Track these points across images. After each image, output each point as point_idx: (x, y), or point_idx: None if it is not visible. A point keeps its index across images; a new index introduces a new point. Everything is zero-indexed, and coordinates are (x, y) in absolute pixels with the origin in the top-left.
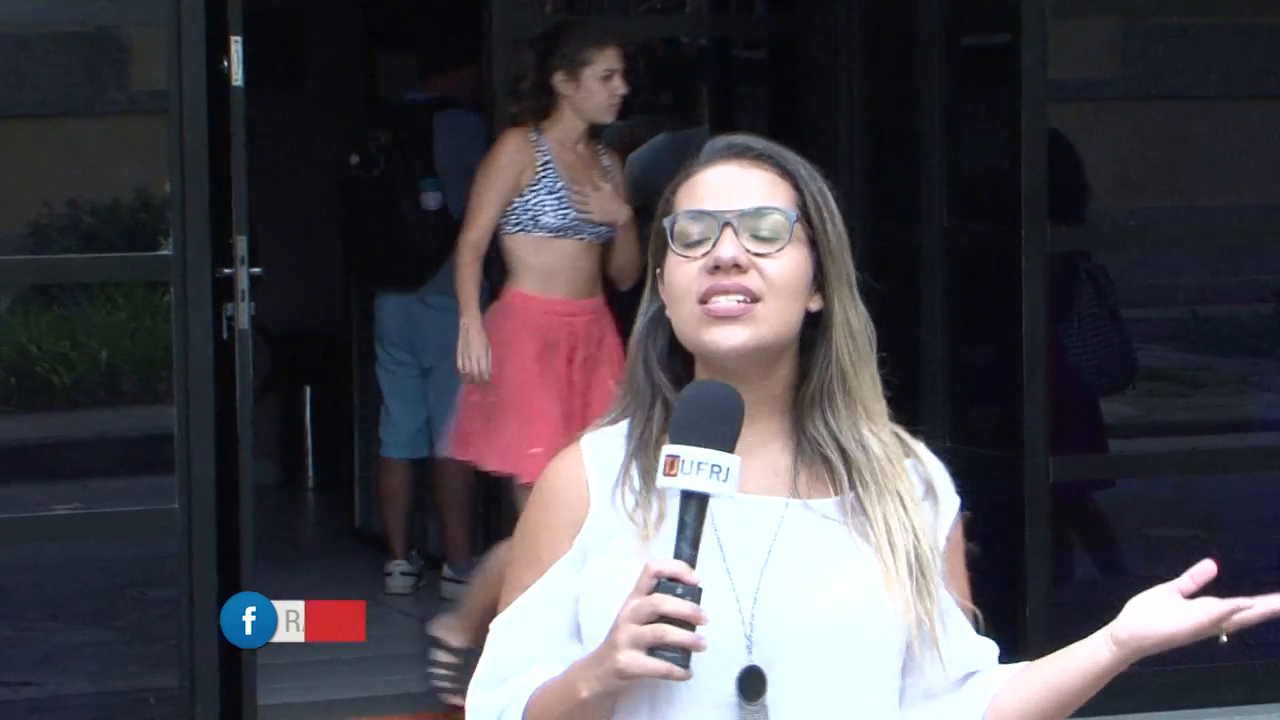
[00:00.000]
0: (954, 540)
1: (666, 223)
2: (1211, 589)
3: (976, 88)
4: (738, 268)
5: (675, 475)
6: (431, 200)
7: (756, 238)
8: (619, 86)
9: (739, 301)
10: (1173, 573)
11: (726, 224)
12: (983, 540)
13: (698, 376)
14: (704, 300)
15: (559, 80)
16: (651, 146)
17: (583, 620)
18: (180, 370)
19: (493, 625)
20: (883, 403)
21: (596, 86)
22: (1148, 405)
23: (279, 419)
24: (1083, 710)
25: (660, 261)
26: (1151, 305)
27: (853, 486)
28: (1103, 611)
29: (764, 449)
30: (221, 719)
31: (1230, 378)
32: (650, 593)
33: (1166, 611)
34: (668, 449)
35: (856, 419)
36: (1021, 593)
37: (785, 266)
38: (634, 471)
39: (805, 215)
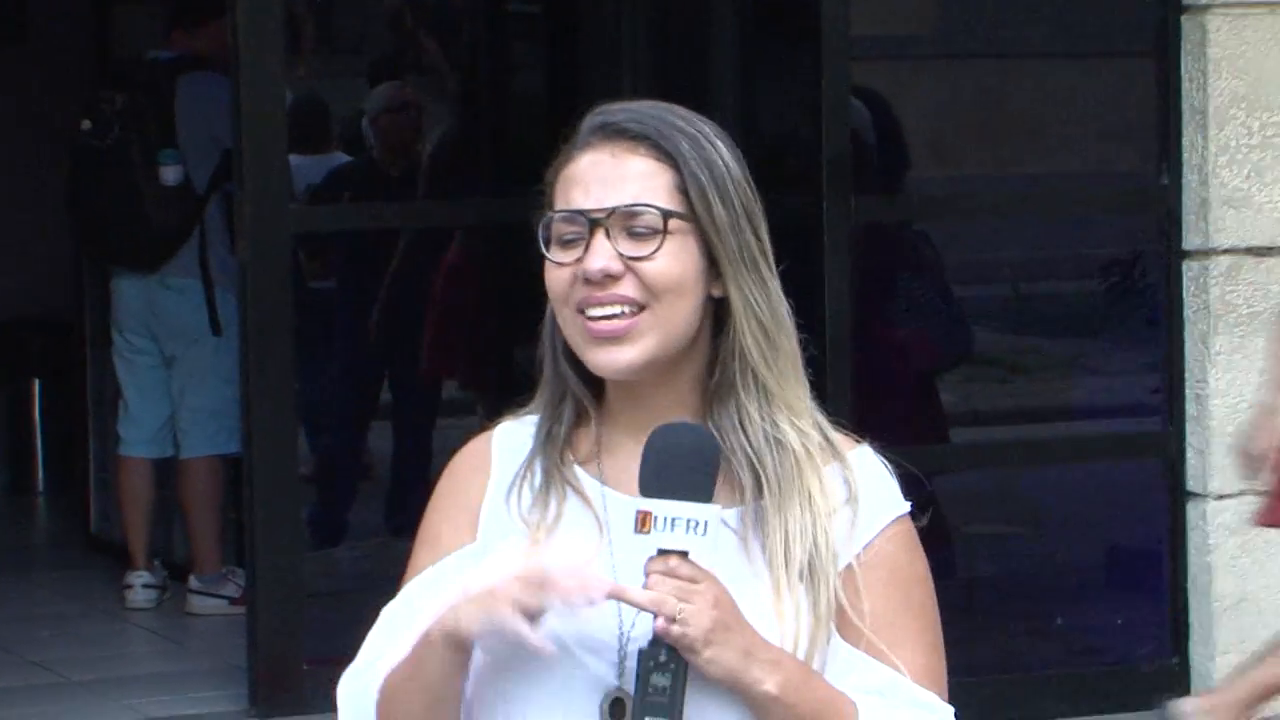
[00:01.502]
0: (878, 556)
1: (541, 223)
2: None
3: (774, 45)
4: (611, 278)
5: (649, 532)
6: (170, 174)
7: (632, 236)
8: None
9: (620, 314)
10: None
11: (596, 225)
12: None
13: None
14: (582, 310)
15: None
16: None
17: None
18: None
19: (383, 611)
20: (805, 392)
21: None
22: (965, 392)
23: (3, 416)
24: None
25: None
26: (970, 282)
27: (759, 493)
28: None
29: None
30: None
31: (1055, 361)
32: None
33: None
34: (638, 503)
35: (774, 412)
36: None
37: (664, 267)
38: (536, 468)
39: (687, 200)
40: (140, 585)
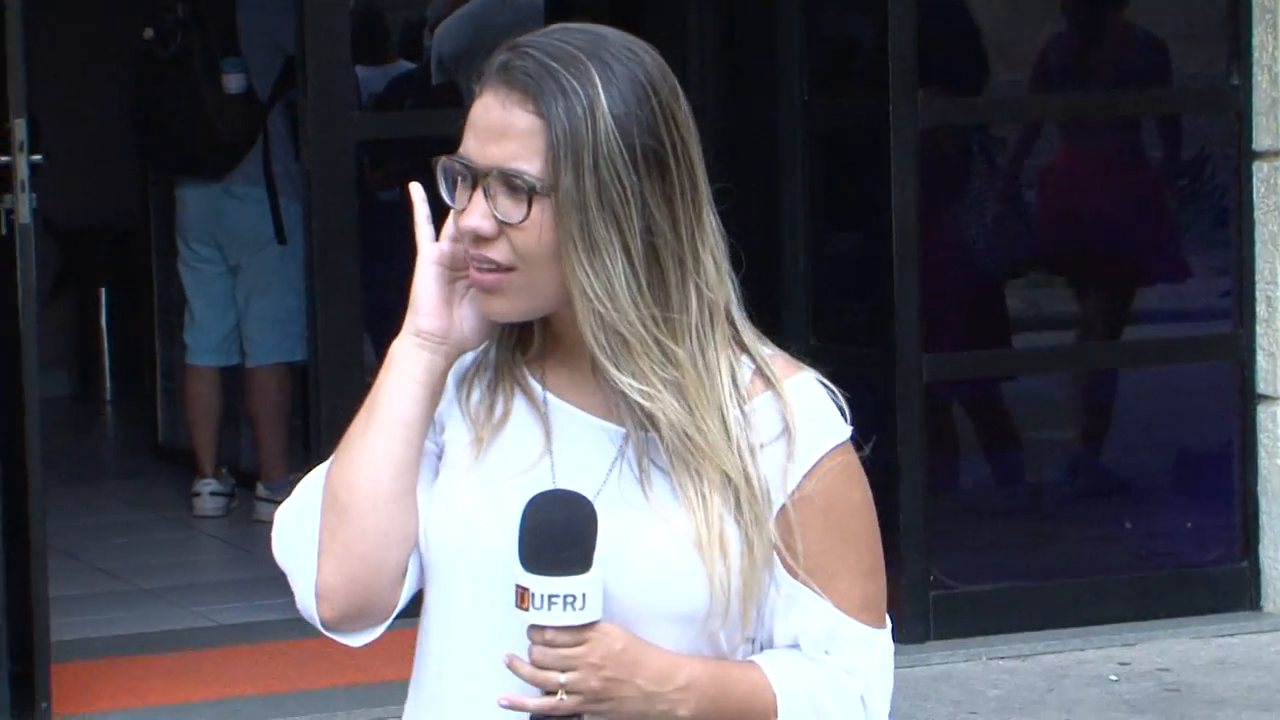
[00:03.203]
0: (815, 489)
1: (442, 162)
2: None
3: None
4: (482, 238)
5: (528, 609)
6: (234, 82)
7: (511, 193)
8: None
9: (490, 270)
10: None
11: (478, 183)
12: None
13: None
14: (470, 261)
15: None
16: (460, 17)
17: (421, 537)
18: None
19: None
20: (707, 321)
21: None
22: (1031, 298)
23: (71, 324)
24: (961, 631)
25: None
26: (1035, 186)
27: (659, 432)
28: (983, 523)
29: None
30: (11, 657)
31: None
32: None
33: None
34: (516, 578)
35: (668, 354)
36: (894, 501)
37: (532, 236)
38: (489, 363)
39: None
40: (208, 493)
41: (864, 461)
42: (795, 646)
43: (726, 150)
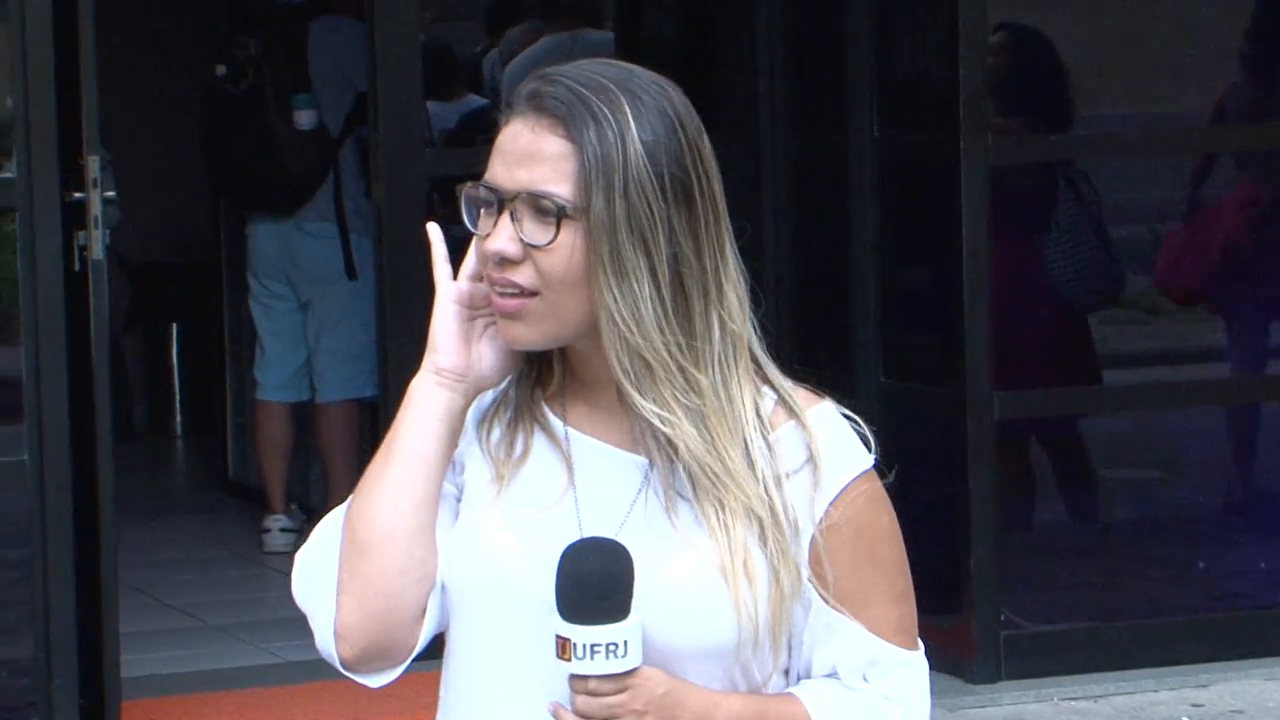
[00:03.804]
0: (842, 517)
1: (465, 189)
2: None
3: None
4: (508, 261)
5: (570, 660)
6: (305, 119)
7: (538, 218)
8: None
9: (514, 296)
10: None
11: (504, 204)
12: (921, 485)
13: None
14: (493, 288)
15: None
16: (534, 54)
17: (444, 573)
18: (28, 306)
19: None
20: (731, 351)
21: None
22: (1101, 334)
23: (143, 359)
24: (1033, 671)
25: None
26: (1107, 223)
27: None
28: (1055, 562)
29: (628, 407)
30: (81, 692)
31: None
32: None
33: None
34: (556, 628)
35: (691, 382)
36: (965, 540)
37: (560, 260)
38: (509, 401)
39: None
40: (277, 529)
41: (935, 498)
42: (834, 675)
43: (796, 184)
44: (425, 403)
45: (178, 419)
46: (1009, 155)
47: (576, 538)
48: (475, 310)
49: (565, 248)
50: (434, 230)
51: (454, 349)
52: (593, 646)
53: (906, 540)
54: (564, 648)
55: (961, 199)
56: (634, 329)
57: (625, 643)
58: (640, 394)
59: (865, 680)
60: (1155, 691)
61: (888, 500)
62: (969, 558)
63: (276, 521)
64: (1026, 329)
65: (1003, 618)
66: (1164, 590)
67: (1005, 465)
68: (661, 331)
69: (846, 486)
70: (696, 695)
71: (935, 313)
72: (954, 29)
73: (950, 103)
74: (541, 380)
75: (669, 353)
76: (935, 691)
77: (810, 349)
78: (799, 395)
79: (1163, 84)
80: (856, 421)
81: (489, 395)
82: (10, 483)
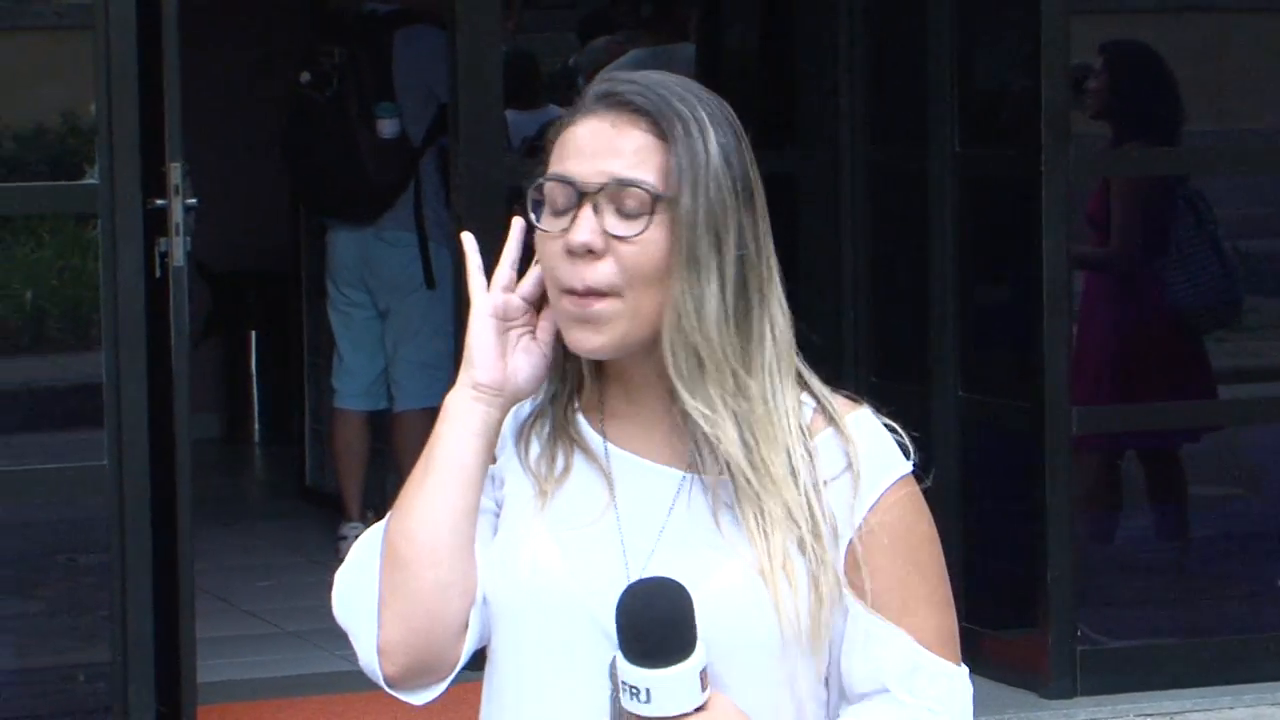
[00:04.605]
0: (881, 523)
1: (533, 186)
2: (1258, 549)
3: None
4: (592, 253)
5: (635, 703)
6: (388, 128)
7: (620, 214)
8: None
9: (595, 296)
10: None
11: (585, 197)
12: (999, 498)
13: None
14: (566, 290)
15: None
16: (621, 66)
17: (487, 587)
18: (109, 312)
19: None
20: (779, 359)
21: None
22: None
23: (222, 366)
24: (1109, 687)
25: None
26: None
27: (731, 472)
28: (1132, 578)
29: (666, 417)
30: (158, 698)
31: (1275, 320)
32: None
33: None
34: (623, 674)
35: (741, 386)
36: (1042, 555)
37: (646, 253)
38: (546, 417)
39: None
40: (354, 536)
41: (1012, 511)
42: (882, 691)
43: (875, 198)
44: (463, 418)
45: (255, 426)
46: (1089, 169)
47: (619, 552)
48: (509, 322)
49: (650, 241)
50: (468, 240)
51: (491, 363)
52: (663, 688)
53: (983, 553)
54: (636, 693)
55: (1042, 214)
56: (697, 325)
57: (698, 677)
58: (690, 394)
59: (909, 693)
60: (1232, 709)
61: (926, 506)
62: (1046, 572)
63: (353, 529)
64: (1104, 345)
65: (1079, 633)
66: (1241, 607)
67: (1089, 479)
68: (721, 332)
69: (885, 492)
70: None
71: (1014, 327)
72: (1036, 43)
73: (1031, 117)
74: (576, 392)
75: (724, 353)
76: (1010, 706)
77: (888, 362)
78: (837, 402)
79: (1239, 100)
80: (895, 428)
81: (525, 406)
82: (90, 488)
